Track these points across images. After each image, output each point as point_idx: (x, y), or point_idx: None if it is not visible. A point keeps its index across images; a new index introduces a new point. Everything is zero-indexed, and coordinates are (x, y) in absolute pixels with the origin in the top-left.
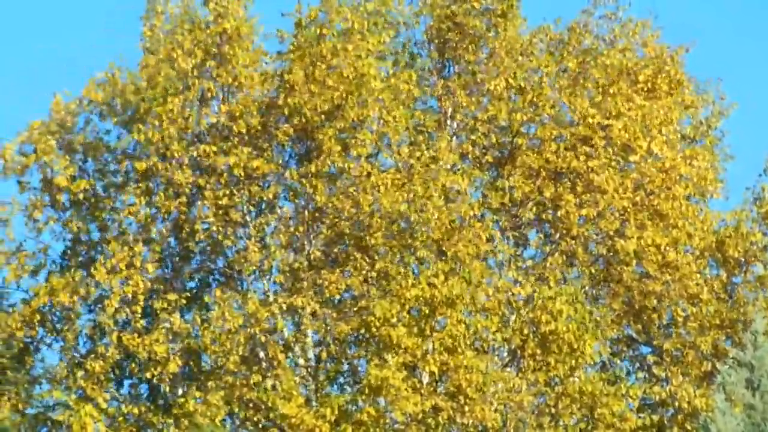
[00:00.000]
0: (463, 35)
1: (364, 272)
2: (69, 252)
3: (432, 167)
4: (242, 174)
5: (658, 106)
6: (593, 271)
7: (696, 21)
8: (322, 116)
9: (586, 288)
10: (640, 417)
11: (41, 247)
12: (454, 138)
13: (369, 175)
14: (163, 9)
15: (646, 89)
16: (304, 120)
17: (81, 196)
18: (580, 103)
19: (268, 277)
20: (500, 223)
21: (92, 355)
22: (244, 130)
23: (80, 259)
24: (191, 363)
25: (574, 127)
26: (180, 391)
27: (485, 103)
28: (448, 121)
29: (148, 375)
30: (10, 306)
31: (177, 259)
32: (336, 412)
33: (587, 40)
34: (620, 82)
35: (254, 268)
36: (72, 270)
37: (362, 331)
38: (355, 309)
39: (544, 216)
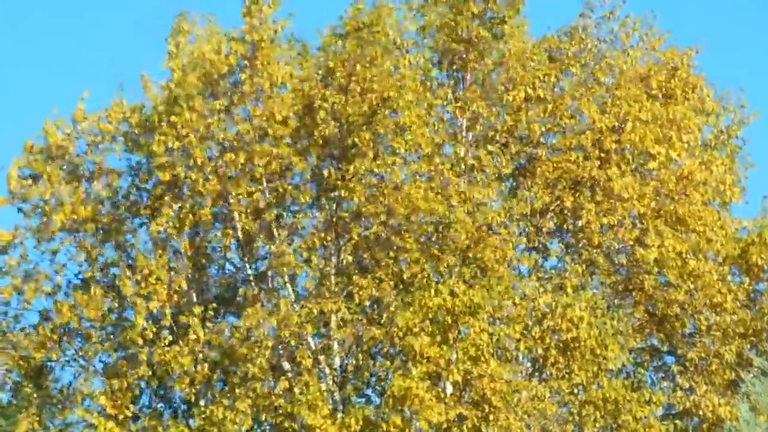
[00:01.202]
0: (470, 44)
1: (394, 279)
2: (85, 273)
3: (461, 178)
4: (278, 168)
5: (675, 112)
6: (615, 280)
7: (715, 27)
8: (361, 118)
9: (608, 297)
10: (663, 424)
11: (56, 268)
12: (471, 149)
13: (398, 186)
14: (189, 28)
15: (661, 95)
16: (343, 121)
17: (89, 219)
18: (588, 107)
19: (296, 282)
20: (526, 230)
21: (114, 372)
22: (286, 134)
23: (98, 279)
24: (217, 372)
25: (584, 133)
26: (203, 402)
27: (502, 113)
28: (464, 133)
29: (178, 388)
30: (22, 328)
31: (198, 272)
32: (361, 422)
33: (589, 44)
34: (631, 86)
35: (291, 269)
36: (92, 288)
37: (387, 340)
38: (383, 317)
39: (565, 226)
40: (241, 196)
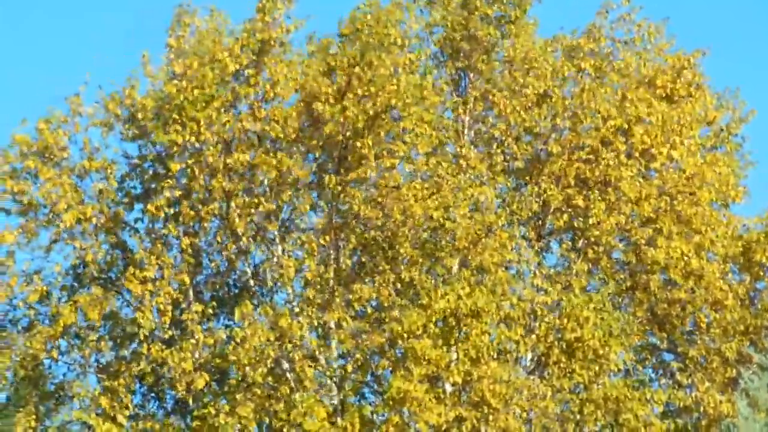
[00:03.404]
0: (477, 43)
1: (392, 283)
2: (84, 273)
3: (458, 177)
4: (279, 179)
5: (678, 112)
6: (618, 279)
7: (714, 25)
8: (363, 123)
9: (612, 296)
10: (663, 422)
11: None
12: (473, 148)
13: (398, 187)
14: (189, 21)
15: (664, 95)
16: (348, 125)
17: (87, 217)
18: (602, 106)
19: (294, 289)
20: (526, 232)
21: (113, 372)
22: (282, 136)
23: (96, 277)
24: (218, 376)
25: (596, 131)
26: (197, 404)
27: (516, 107)
28: (465, 131)
29: (175, 391)
30: (23, 328)
31: (195, 269)
32: (359, 424)
33: (603, 43)
34: (639, 88)
35: (290, 279)
36: (89, 287)
37: (389, 342)
38: (384, 321)
39: (575, 224)
40: (240, 209)
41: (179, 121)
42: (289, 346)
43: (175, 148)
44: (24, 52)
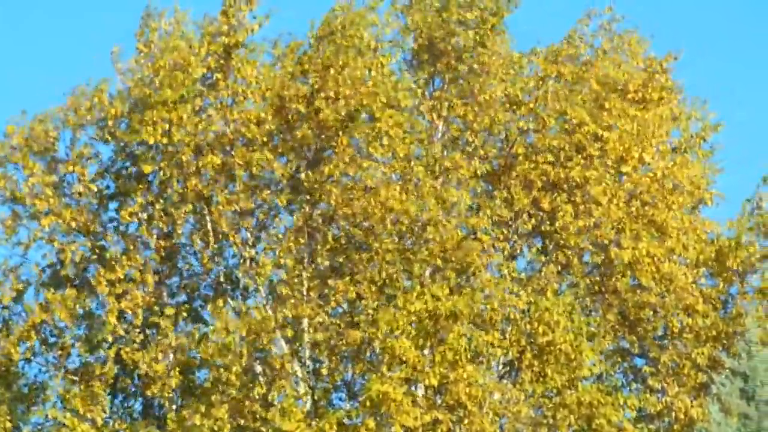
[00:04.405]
0: (453, 48)
1: (369, 281)
2: (60, 272)
3: (435, 181)
4: (255, 179)
5: (650, 116)
6: (588, 282)
7: (697, 33)
8: (337, 123)
9: (581, 299)
10: (637, 427)
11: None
12: (444, 150)
13: (371, 188)
14: (157, 25)
15: (636, 99)
16: (321, 125)
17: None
18: (577, 112)
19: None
20: (496, 235)
21: (87, 374)
22: (258, 137)
23: (71, 276)
24: (188, 378)
25: (569, 135)
26: (175, 407)
27: (480, 112)
28: (438, 135)
29: (149, 393)
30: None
31: (167, 272)
32: (335, 428)
33: (582, 50)
34: (612, 94)
35: (268, 276)
36: (65, 287)
37: (366, 343)
38: (357, 324)
39: (543, 227)
40: (221, 204)
41: (150, 121)
42: (265, 339)
43: (146, 151)
44: (24, 51)
